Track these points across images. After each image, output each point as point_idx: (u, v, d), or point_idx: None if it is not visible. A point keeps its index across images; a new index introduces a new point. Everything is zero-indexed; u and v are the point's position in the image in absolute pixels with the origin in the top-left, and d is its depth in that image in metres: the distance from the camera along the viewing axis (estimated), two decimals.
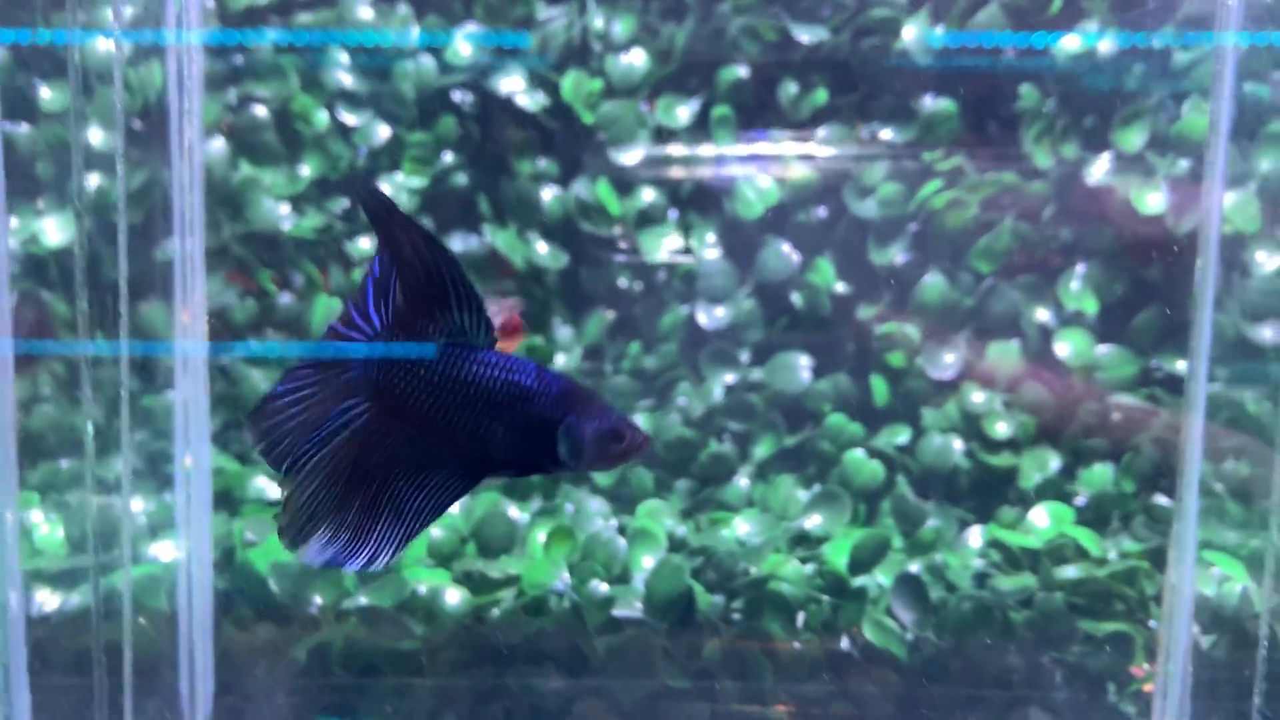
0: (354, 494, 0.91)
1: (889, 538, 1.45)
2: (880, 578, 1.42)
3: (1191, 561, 1.18)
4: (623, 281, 1.76)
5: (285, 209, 1.70)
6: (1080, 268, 1.67)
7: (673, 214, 1.75)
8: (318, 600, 1.29)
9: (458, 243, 1.73)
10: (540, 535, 1.39)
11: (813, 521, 1.55)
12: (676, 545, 1.41)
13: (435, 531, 1.43)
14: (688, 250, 1.74)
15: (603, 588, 1.32)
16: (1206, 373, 1.27)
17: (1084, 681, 1.30)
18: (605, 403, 0.93)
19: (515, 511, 1.44)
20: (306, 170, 1.70)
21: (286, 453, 0.91)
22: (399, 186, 1.72)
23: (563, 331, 1.77)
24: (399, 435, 0.90)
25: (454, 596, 1.29)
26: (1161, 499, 1.70)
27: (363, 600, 1.31)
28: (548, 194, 1.73)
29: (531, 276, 1.77)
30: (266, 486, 1.52)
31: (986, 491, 1.68)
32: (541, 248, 1.74)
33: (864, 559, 1.40)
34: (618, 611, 1.29)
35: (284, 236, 1.70)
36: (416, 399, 0.89)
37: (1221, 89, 1.24)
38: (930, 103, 1.67)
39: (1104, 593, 1.37)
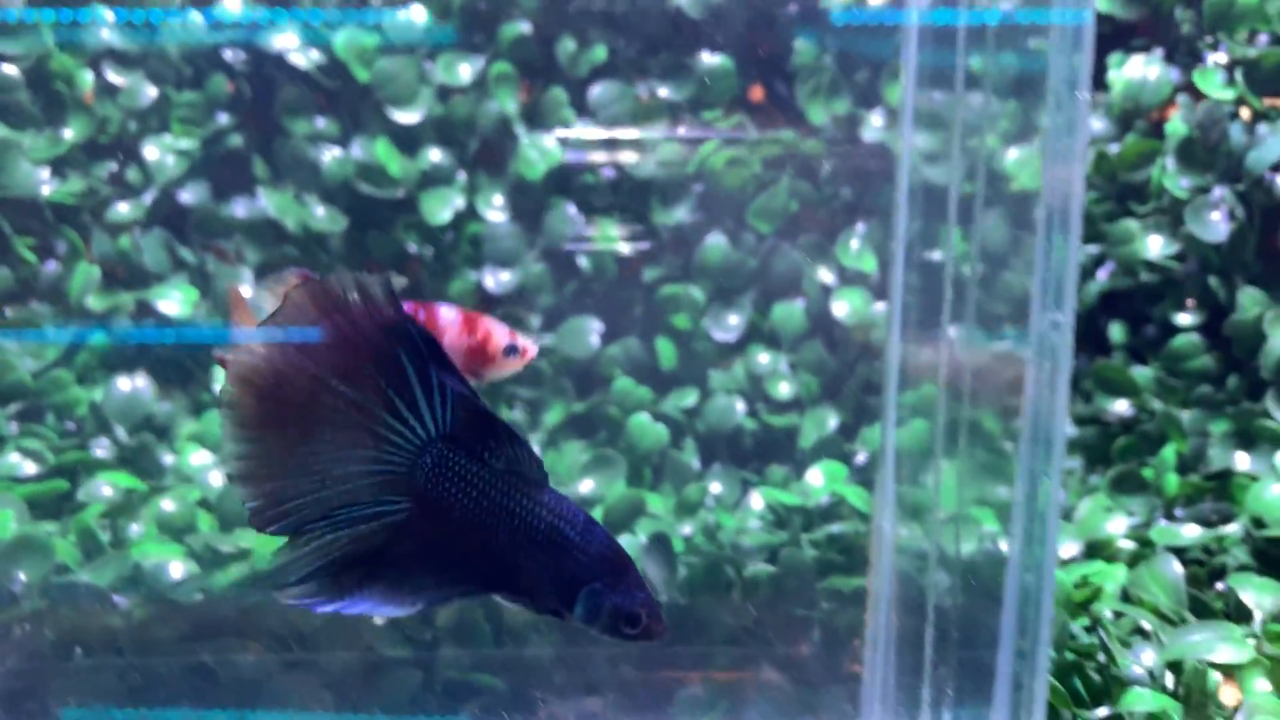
0: (355, 574, 0.89)
1: (644, 499, 1.46)
2: (643, 538, 1.42)
3: (892, 509, 1.21)
4: (410, 246, 1.71)
5: (45, 173, 1.62)
6: (860, 227, 1.68)
7: (460, 175, 1.70)
8: (21, 577, 1.26)
9: (237, 207, 1.66)
10: None
11: (586, 486, 1.55)
12: None
13: (169, 505, 1.40)
14: (473, 212, 1.70)
15: None
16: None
17: (826, 637, 1.32)
18: (637, 578, 0.92)
19: None
20: (69, 133, 1.61)
21: (288, 523, 0.88)
22: (167, 147, 1.64)
23: None
24: (430, 544, 0.89)
25: (178, 570, 1.27)
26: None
27: (83, 578, 1.27)
28: (327, 155, 1.67)
29: (313, 241, 1.71)
30: None
31: (769, 452, 1.69)
32: (320, 211, 1.68)
33: (618, 520, 1.41)
34: None
35: (44, 202, 1.62)
36: (460, 515, 0.89)
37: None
38: (708, 59, 1.64)
39: (861, 548, 1.40)
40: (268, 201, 1.67)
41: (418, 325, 0.88)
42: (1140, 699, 1.10)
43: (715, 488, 1.66)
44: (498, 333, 1.16)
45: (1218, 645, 1.11)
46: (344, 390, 0.88)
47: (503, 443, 0.88)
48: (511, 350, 1.15)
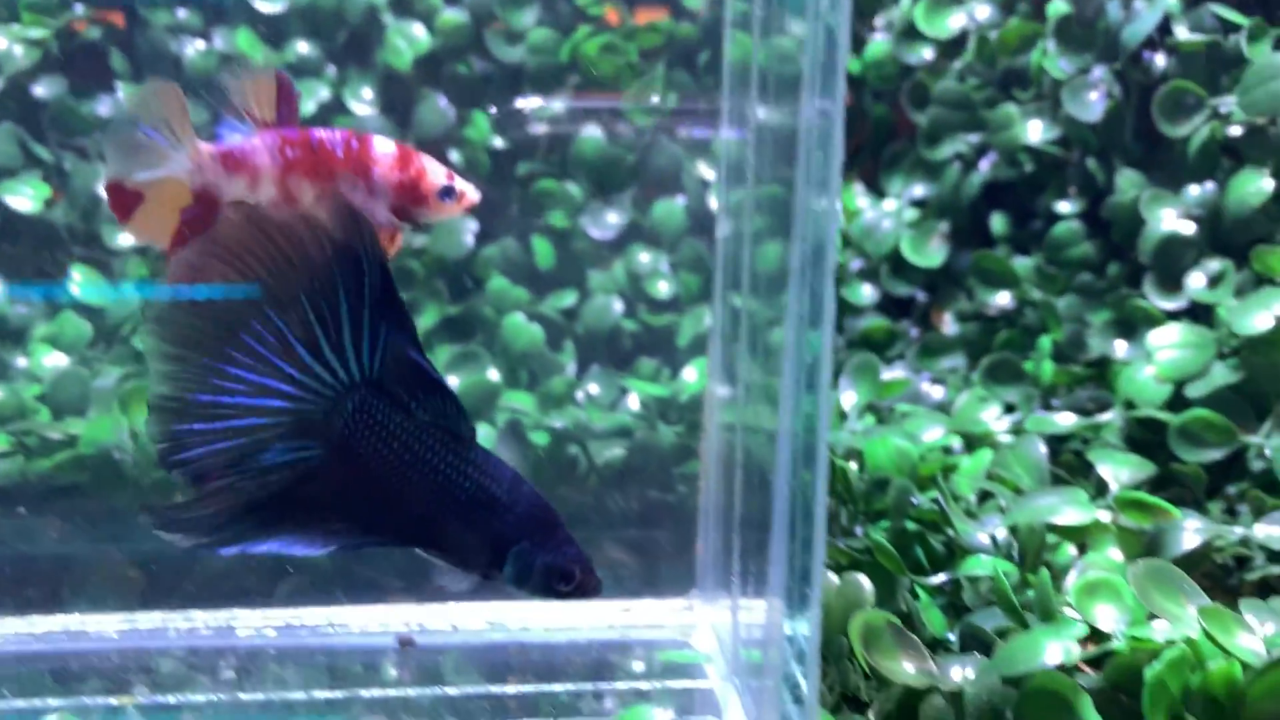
0: (262, 516, 0.85)
1: (498, 389, 1.42)
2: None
3: (715, 394, 1.17)
4: None
5: None
6: None
7: (329, 68, 1.64)
8: None
9: (99, 104, 1.59)
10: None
11: (451, 383, 1.50)
12: None
13: None
14: (341, 105, 1.64)
15: None
16: None
17: (677, 518, 1.28)
18: (567, 535, 0.89)
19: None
20: None
21: (196, 468, 0.85)
22: (15, 36, 1.57)
23: None
24: (344, 491, 0.85)
25: None
26: None
27: None
28: (189, 48, 1.60)
29: None
30: None
31: (648, 353, 1.64)
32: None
33: (471, 408, 1.37)
34: None
35: None
36: (378, 465, 0.85)
37: None
38: None
39: None
40: (126, 95, 1.60)
41: (372, 251, 0.82)
42: (978, 564, 1.06)
43: (593, 389, 1.62)
44: (433, 171, 1.04)
45: (1062, 509, 1.08)
46: (272, 318, 0.83)
47: (431, 393, 0.85)
48: (447, 193, 1.03)
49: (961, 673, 0.84)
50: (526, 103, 1.64)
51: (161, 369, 0.85)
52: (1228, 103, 1.40)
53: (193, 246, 0.84)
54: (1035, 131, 1.56)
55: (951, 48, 1.66)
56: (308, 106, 1.62)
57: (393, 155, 1.03)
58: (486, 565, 0.88)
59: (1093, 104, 1.49)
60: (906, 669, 0.84)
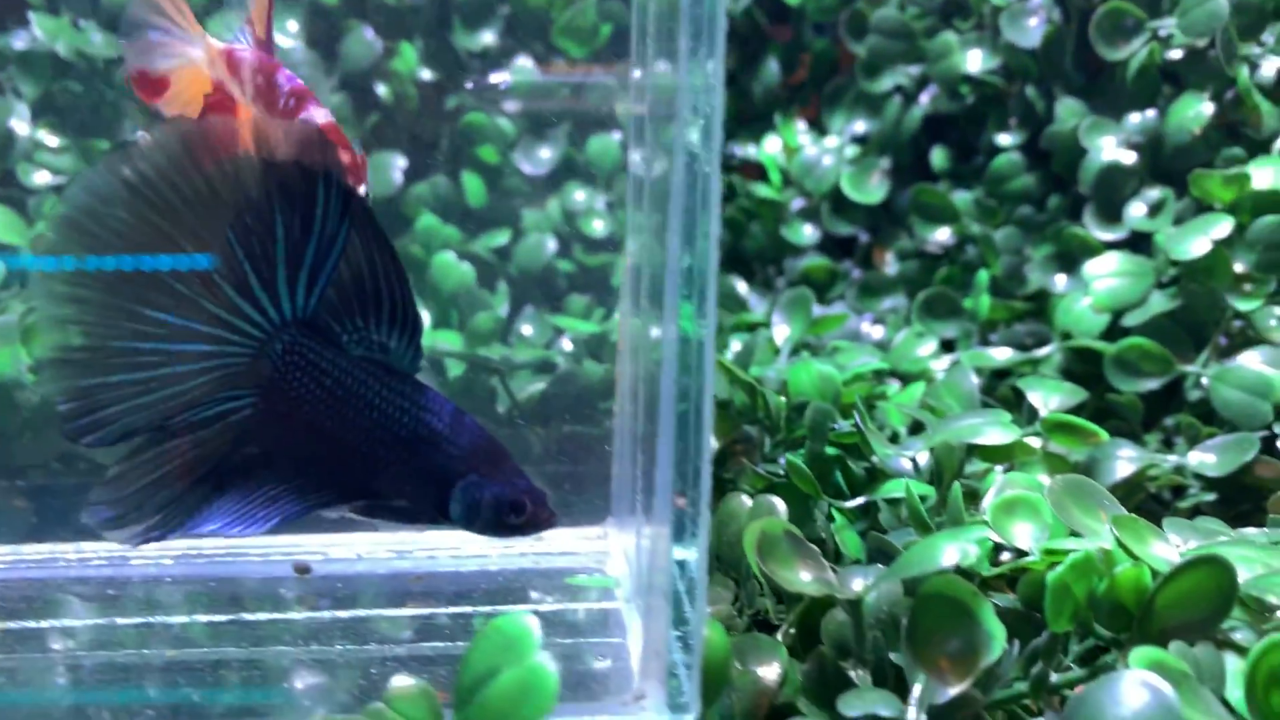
0: (202, 493, 0.80)
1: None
2: None
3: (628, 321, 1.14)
4: None
5: None
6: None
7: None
8: None
9: (14, 39, 1.53)
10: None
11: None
12: None
13: None
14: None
15: None
16: None
17: (598, 450, 1.24)
18: (516, 466, 0.84)
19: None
20: None
21: (111, 428, 0.78)
22: None
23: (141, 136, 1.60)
24: (282, 447, 0.81)
25: None
26: (737, 283, 1.66)
27: None
28: None
29: (98, 76, 1.59)
30: None
31: (581, 290, 1.60)
32: (98, 38, 1.56)
33: None
34: None
35: None
36: (314, 409, 0.80)
37: None
38: None
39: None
40: (41, 29, 1.54)
41: (331, 180, 0.77)
42: (896, 487, 1.02)
43: (526, 329, 1.57)
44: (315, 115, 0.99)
45: (985, 430, 1.04)
46: (232, 256, 0.77)
47: (374, 324, 0.80)
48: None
49: (861, 582, 0.80)
50: (456, 33, 1.59)
51: (62, 313, 0.76)
52: (1167, 24, 1.37)
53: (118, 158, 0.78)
54: (975, 61, 1.52)
55: None
56: (227, 37, 1.56)
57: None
58: (434, 504, 0.84)
59: (1032, 30, 1.45)
60: (803, 578, 0.80)
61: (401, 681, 0.72)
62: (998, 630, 0.74)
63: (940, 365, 1.44)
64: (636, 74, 1.16)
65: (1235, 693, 0.75)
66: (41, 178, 1.50)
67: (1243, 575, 0.81)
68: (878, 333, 1.56)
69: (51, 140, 1.54)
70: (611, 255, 1.60)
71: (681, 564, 0.75)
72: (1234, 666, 0.75)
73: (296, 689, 0.87)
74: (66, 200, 0.77)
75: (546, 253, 1.58)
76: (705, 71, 0.76)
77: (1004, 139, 1.54)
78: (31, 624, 0.99)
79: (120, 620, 0.93)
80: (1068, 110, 1.46)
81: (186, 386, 0.78)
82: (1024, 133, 1.54)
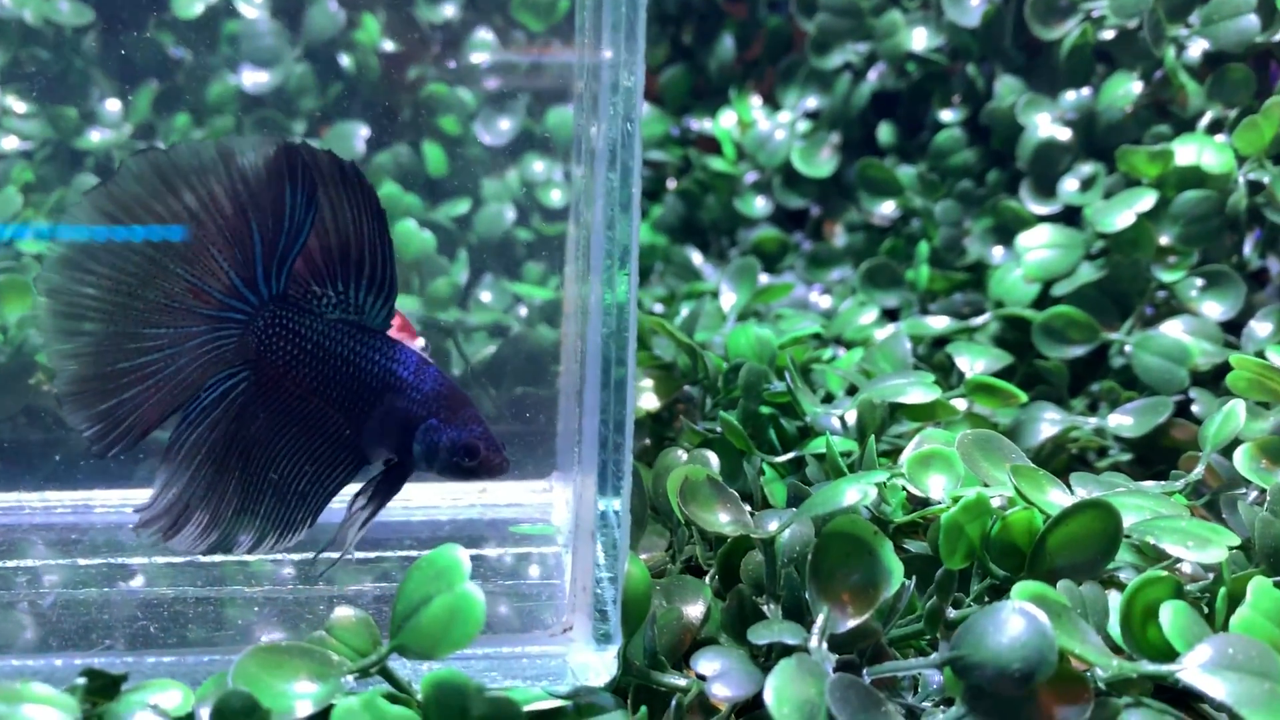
0: (230, 474, 0.87)
1: None
2: None
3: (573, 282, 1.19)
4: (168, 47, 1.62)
5: None
6: None
7: None
8: None
9: None
10: None
11: None
12: None
13: None
14: (230, 9, 1.61)
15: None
16: None
17: (547, 409, 1.29)
18: (474, 414, 0.91)
19: None
20: None
21: (132, 434, 0.87)
22: None
23: (107, 106, 1.63)
24: (280, 409, 0.88)
25: None
26: (692, 254, 1.71)
27: None
28: None
29: (68, 45, 1.62)
30: None
31: (541, 260, 1.65)
32: (65, 5, 1.59)
33: None
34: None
35: None
36: (298, 371, 0.87)
37: None
38: None
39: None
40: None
41: (300, 179, 0.85)
42: (822, 443, 1.08)
43: (485, 296, 1.62)
44: None
45: (908, 389, 1.09)
46: (179, 271, 0.84)
47: (353, 289, 0.87)
48: None
49: (777, 523, 0.85)
50: (417, 5, 1.63)
51: (71, 347, 0.84)
52: (1099, 5, 1.42)
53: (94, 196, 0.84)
54: (919, 39, 1.57)
55: None
56: (193, 8, 1.59)
57: None
58: (400, 451, 0.90)
59: (973, 9, 1.50)
60: (722, 519, 0.86)
61: (343, 611, 0.77)
62: (896, 566, 0.79)
63: (882, 334, 1.49)
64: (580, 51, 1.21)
65: (1116, 628, 0.81)
66: (9, 143, 1.53)
67: (1131, 520, 0.87)
68: (825, 302, 1.61)
69: (19, 106, 1.57)
70: (568, 225, 1.65)
71: (606, 511, 0.80)
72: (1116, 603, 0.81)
73: (250, 624, 0.92)
74: (61, 239, 0.84)
75: (506, 221, 1.62)
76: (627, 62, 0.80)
77: (946, 115, 1.59)
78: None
79: (82, 561, 0.98)
80: (1006, 88, 1.52)
81: (187, 377, 0.87)
82: (966, 109, 1.59)
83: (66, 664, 0.80)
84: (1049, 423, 1.25)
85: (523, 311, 1.59)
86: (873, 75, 1.64)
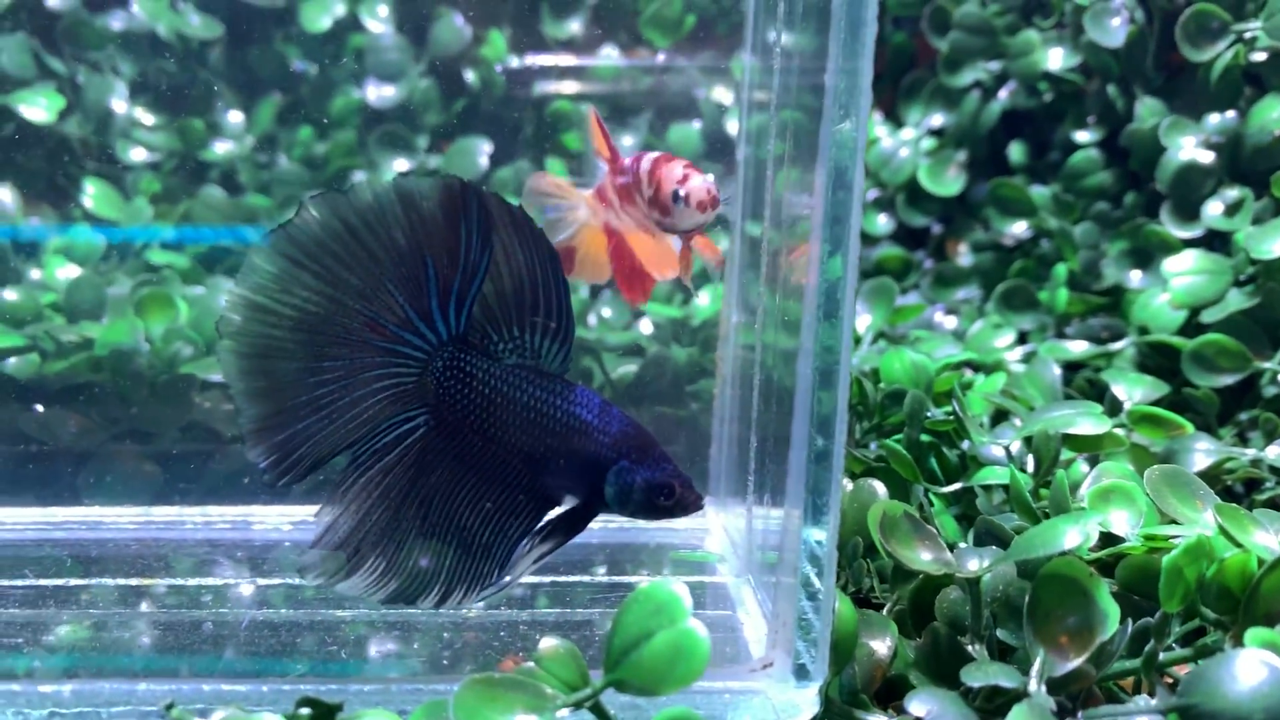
0: (408, 523, 0.87)
1: None
2: None
3: (733, 322, 1.18)
4: (294, 62, 1.64)
5: None
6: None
7: None
8: None
9: (112, 18, 1.58)
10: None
11: None
12: None
13: (11, 294, 1.34)
14: (356, 23, 1.63)
15: (186, 350, 1.25)
16: None
17: (688, 433, 1.28)
18: (663, 453, 0.90)
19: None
20: None
21: (303, 465, 0.86)
22: None
23: (231, 117, 1.65)
24: (460, 457, 0.88)
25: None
26: None
27: None
28: None
29: (191, 56, 1.63)
30: None
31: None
32: (195, 20, 1.60)
33: None
34: (195, 372, 1.22)
35: None
36: (478, 417, 0.87)
37: None
38: None
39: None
40: (141, 9, 1.59)
41: (475, 218, 0.85)
42: (991, 474, 1.06)
43: (605, 311, 1.62)
44: (668, 177, 0.98)
45: (1077, 420, 1.08)
46: (356, 306, 0.84)
47: (524, 334, 0.87)
48: (675, 198, 0.96)
49: (978, 563, 0.84)
50: (544, 22, 1.63)
51: (257, 385, 0.85)
52: (1253, 27, 1.39)
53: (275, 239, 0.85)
54: (1056, 59, 1.55)
55: None
56: (321, 22, 1.60)
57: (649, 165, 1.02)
58: (589, 494, 0.90)
59: (1115, 30, 1.48)
60: (924, 557, 0.84)
61: (550, 643, 0.76)
62: (1112, 609, 0.78)
63: (1013, 356, 1.47)
64: (747, 59, 1.19)
65: None
66: (138, 154, 1.55)
67: None
68: (951, 322, 1.60)
69: (148, 119, 1.59)
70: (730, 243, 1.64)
71: (813, 542, 0.79)
72: None
73: (436, 651, 0.91)
74: (241, 282, 0.85)
75: None
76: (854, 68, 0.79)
77: (1082, 136, 1.57)
78: (161, 581, 1.04)
79: (236, 579, 0.98)
80: (1147, 109, 1.49)
81: (361, 411, 0.87)
82: (1102, 129, 1.56)
83: (272, 689, 0.80)
84: (1203, 453, 1.22)
85: (644, 327, 1.58)
86: (1003, 93, 1.62)
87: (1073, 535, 0.78)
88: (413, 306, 0.85)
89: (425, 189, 0.84)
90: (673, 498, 0.87)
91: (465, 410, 0.86)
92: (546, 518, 0.92)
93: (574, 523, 0.91)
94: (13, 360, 1.25)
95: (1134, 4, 1.49)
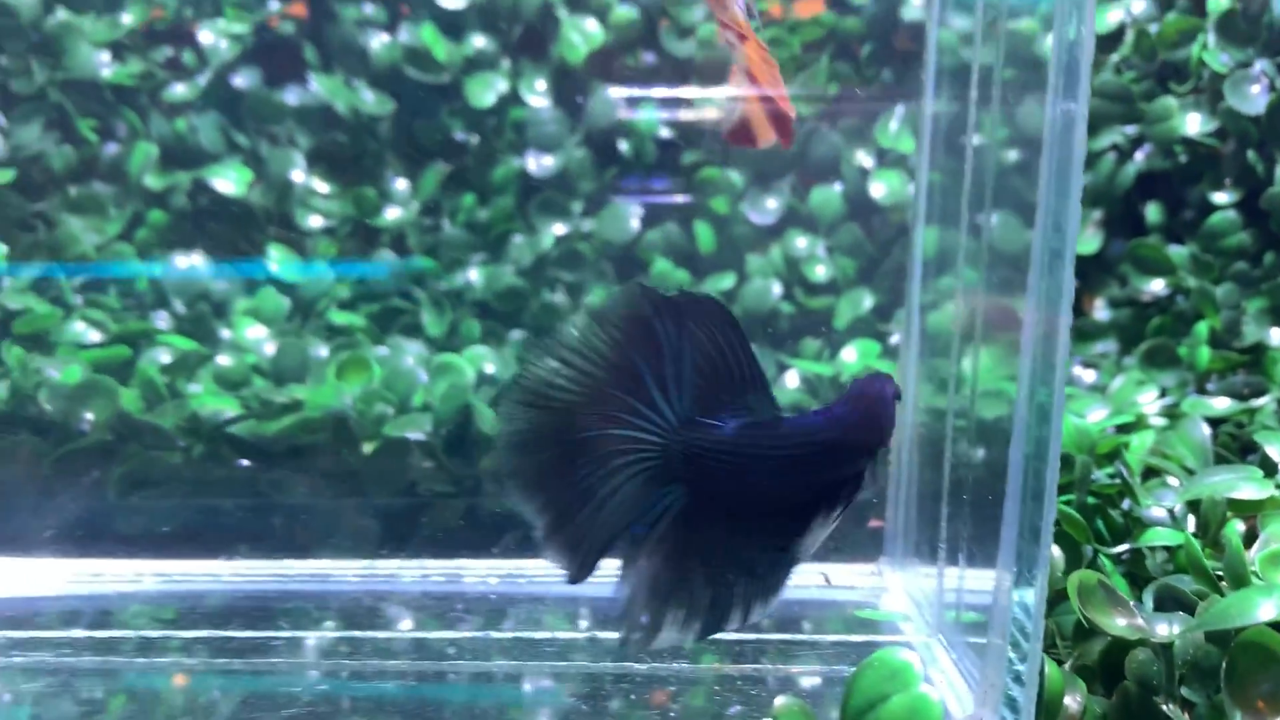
0: (693, 573, 0.93)
1: None
2: None
3: (914, 380, 1.25)
4: (456, 133, 1.75)
5: (105, 56, 1.67)
6: (899, 108, 1.69)
7: (504, 61, 1.73)
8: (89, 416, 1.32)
9: (289, 94, 1.70)
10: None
11: None
12: (483, 380, 1.44)
13: (225, 359, 1.45)
14: (517, 97, 1.73)
15: (388, 410, 1.35)
16: None
17: None
18: (867, 391, 0.94)
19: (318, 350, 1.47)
20: (127, 18, 1.66)
21: (591, 556, 0.93)
22: (221, 32, 1.68)
23: (398, 184, 1.76)
24: (721, 511, 0.94)
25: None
26: None
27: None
28: (375, 41, 1.71)
29: (362, 128, 1.75)
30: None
31: (805, 334, 1.72)
32: (369, 96, 1.72)
33: None
34: (398, 432, 1.32)
35: (104, 84, 1.67)
36: (724, 480, 0.93)
37: None
38: None
39: None
40: (319, 86, 1.71)
41: (664, 317, 0.93)
42: (1159, 535, 1.12)
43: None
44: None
45: (1239, 485, 1.13)
46: (613, 394, 0.93)
47: (740, 394, 0.93)
48: None
49: (1168, 629, 0.91)
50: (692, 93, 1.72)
51: (534, 502, 0.94)
52: None
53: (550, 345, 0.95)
54: (1194, 124, 1.60)
55: (1109, 42, 1.71)
56: (485, 98, 1.71)
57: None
58: (839, 502, 0.95)
59: (1255, 97, 1.54)
60: (1119, 623, 0.91)
61: (785, 700, 0.84)
62: None
63: (1152, 409, 1.52)
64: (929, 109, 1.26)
65: None
66: (314, 221, 1.67)
67: None
68: (1089, 376, 1.65)
69: (322, 188, 1.70)
70: (833, 299, 1.72)
71: (1021, 604, 0.86)
72: None
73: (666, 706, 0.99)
74: (521, 374, 0.95)
75: (771, 296, 1.70)
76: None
77: (1219, 197, 1.62)
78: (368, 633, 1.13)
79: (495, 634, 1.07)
80: None
81: (625, 499, 0.95)
82: (1239, 191, 1.62)
83: None
84: None
85: (789, 380, 1.65)
86: (1139, 155, 1.68)
87: (1267, 608, 0.85)
88: (639, 400, 0.94)
89: (615, 299, 0.94)
90: (894, 404, 0.94)
91: (712, 474, 0.94)
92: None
93: (851, 493, 0.96)
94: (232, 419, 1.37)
95: (1275, 71, 1.54)
